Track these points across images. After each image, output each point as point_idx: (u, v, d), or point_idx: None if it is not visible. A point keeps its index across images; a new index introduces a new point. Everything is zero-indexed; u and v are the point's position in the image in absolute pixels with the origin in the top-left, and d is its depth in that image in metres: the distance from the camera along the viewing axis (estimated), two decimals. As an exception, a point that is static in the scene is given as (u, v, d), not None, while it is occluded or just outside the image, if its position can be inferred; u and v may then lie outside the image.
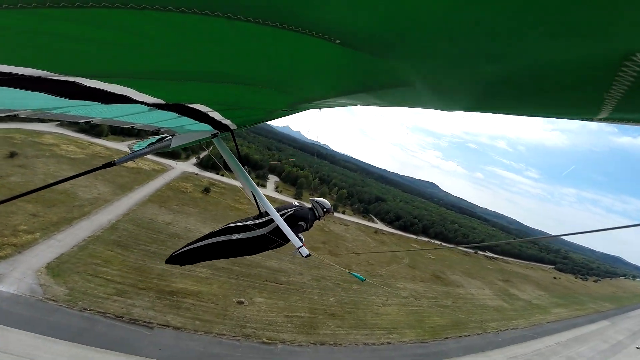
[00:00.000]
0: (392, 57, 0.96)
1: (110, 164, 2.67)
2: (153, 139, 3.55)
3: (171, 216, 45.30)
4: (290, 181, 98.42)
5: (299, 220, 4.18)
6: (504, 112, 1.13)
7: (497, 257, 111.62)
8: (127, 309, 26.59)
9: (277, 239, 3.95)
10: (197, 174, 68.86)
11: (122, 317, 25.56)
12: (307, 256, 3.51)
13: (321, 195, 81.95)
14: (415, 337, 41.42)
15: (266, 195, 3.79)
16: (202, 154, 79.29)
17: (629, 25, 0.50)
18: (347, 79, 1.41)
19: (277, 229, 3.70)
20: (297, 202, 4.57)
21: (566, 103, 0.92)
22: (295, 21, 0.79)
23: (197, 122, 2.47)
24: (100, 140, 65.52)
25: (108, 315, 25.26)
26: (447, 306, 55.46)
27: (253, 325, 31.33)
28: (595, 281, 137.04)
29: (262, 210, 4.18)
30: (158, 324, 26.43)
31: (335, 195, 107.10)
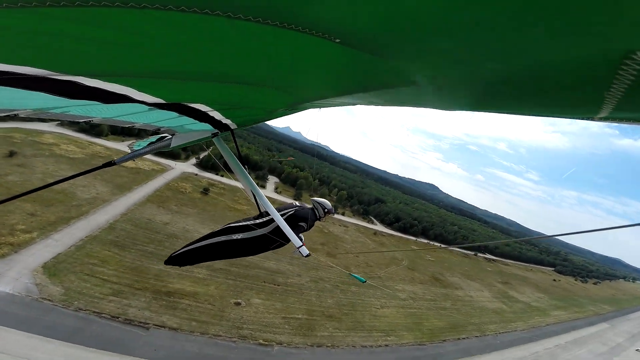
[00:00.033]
0: (393, 57, 0.96)
1: (110, 164, 2.66)
2: (153, 138, 3.54)
3: (169, 216, 45.29)
4: (290, 182, 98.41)
5: (300, 220, 4.16)
6: (504, 111, 1.13)
7: (496, 259, 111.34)
8: (122, 309, 26.52)
9: (277, 239, 3.92)
10: (196, 175, 68.90)
11: (117, 318, 25.48)
12: (307, 255, 3.51)
13: (321, 197, 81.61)
14: (413, 340, 41.25)
15: (265, 196, 3.76)
16: (202, 155, 79.38)
17: (629, 23, 0.50)
18: (348, 78, 1.41)
19: (278, 229, 3.68)
20: (297, 203, 4.53)
21: (567, 102, 0.92)
22: (295, 20, 0.79)
23: (197, 121, 2.46)
24: (100, 140, 65.65)
25: (103, 315, 25.19)
26: (446, 308, 55.29)
27: (250, 326, 31.22)
28: (594, 283, 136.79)
29: (262, 210, 4.17)
30: (154, 325, 26.35)
31: (335, 197, 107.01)
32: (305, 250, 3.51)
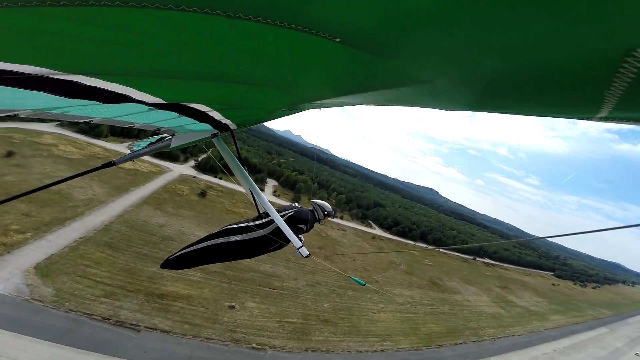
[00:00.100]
0: (393, 56, 0.97)
1: (109, 164, 2.64)
2: (153, 139, 3.54)
3: (166, 219, 45.18)
4: (289, 185, 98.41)
5: (299, 221, 4.14)
6: (504, 111, 1.13)
7: (495, 264, 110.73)
8: (114, 311, 26.31)
9: (277, 240, 3.88)
10: (194, 177, 68.94)
11: (108, 319, 25.27)
12: (308, 256, 3.51)
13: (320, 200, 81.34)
14: (410, 345, 40.81)
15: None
16: (201, 157, 79.54)
17: (630, 20, 0.50)
18: (348, 78, 1.41)
19: (278, 229, 3.66)
20: (296, 204, 4.53)
21: (567, 101, 0.91)
22: (295, 20, 0.78)
23: (197, 121, 2.46)
24: (99, 141, 65.84)
25: (94, 317, 24.98)
26: (444, 313, 54.83)
27: (243, 330, 30.91)
28: (594, 288, 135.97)
29: (261, 212, 4.15)
30: (145, 327, 26.10)
31: (334, 200, 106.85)
32: (305, 251, 3.51)
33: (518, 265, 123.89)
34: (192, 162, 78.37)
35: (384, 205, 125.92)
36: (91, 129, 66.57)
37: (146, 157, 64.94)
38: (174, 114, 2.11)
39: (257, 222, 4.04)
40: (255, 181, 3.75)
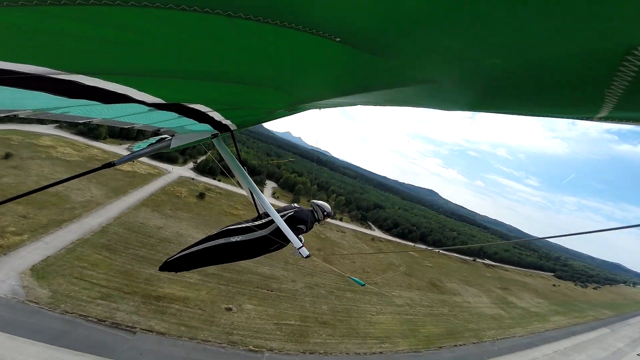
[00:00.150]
0: (393, 56, 0.97)
1: (109, 165, 2.63)
2: (153, 139, 3.52)
3: (163, 220, 45.11)
4: (288, 187, 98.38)
5: (299, 221, 4.13)
6: (504, 111, 1.12)
7: (495, 265, 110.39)
8: (110, 312, 26.18)
9: (277, 240, 3.88)
10: (193, 179, 68.93)
11: (104, 321, 25.14)
12: (308, 256, 3.50)
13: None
14: (409, 347, 40.54)
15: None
16: (200, 159, 79.61)
17: (630, 18, 0.49)
18: (348, 78, 1.41)
19: (278, 230, 3.66)
20: (296, 205, 4.53)
21: (567, 100, 0.90)
22: (295, 19, 0.78)
23: (196, 122, 2.46)
24: (98, 143, 65.88)
25: (90, 318, 24.85)
26: (443, 314, 54.55)
27: (240, 332, 30.73)
28: (595, 288, 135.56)
29: (261, 212, 4.14)
30: (141, 329, 25.96)
31: (333, 202, 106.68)
32: (305, 251, 3.51)
33: (518, 266, 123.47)
34: (190, 164, 78.43)
35: (383, 206, 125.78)
36: (90, 131, 66.65)
37: (145, 159, 65.01)
38: (174, 115, 2.11)
39: (257, 223, 4.03)
40: (255, 183, 3.75)
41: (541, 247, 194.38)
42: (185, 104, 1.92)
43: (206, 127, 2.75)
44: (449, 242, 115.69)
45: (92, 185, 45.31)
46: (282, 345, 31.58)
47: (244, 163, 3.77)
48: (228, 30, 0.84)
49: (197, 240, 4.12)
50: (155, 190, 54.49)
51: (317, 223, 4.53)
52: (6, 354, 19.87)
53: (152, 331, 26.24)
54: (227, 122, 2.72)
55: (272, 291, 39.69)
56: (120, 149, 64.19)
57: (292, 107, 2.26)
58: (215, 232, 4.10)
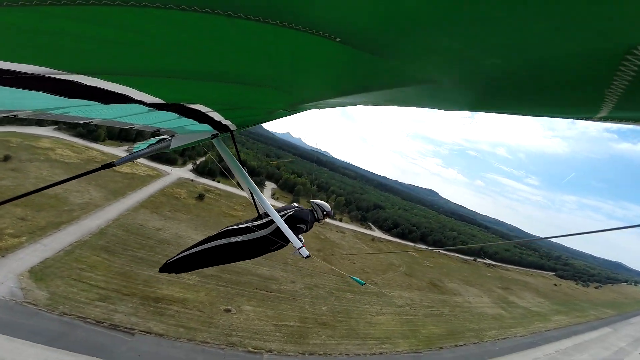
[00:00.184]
0: (393, 56, 0.96)
1: (109, 165, 2.62)
2: (153, 140, 3.52)
3: (162, 222, 45.07)
4: (288, 188, 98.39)
5: (299, 221, 4.14)
6: (504, 111, 1.12)
7: (496, 265, 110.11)
8: (108, 314, 26.12)
9: (278, 241, 3.88)
10: (192, 180, 68.94)
11: (102, 323, 25.08)
12: (308, 257, 3.49)
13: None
14: (409, 347, 40.37)
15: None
16: (199, 160, 79.66)
17: (630, 18, 0.49)
18: (348, 78, 1.41)
19: (278, 230, 3.67)
20: (296, 205, 4.54)
21: (567, 100, 0.90)
22: (295, 19, 0.78)
23: (196, 122, 2.46)
24: (97, 144, 65.98)
25: (88, 320, 24.80)
26: (444, 315, 54.37)
27: (239, 333, 30.63)
28: (596, 287, 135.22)
29: (261, 212, 4.14)
30: (140, 331, 25.89)
31: (333, 202, 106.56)
32: (305, 252, 3.51)
33: (519, 265, 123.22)
34: (190, 166, 78.48)
35: (383, 207, 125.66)
36: (89, 133, 66.72)
37: (144, 161, 65.03)
38: (174, 115, 2.10)
39: (257, 223, 4.03)
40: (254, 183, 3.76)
41: (542, 246, 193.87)
42: (185, 104, 1.91)
43: (206, 127, 2.76)
44: (450, 242, 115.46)
45: (90, 187, 45.32)
46: (282, 347, 31.46)
47: (243, 163, 3.77)
48: (228, 31, 0.84)
49: (197, 241, 4.11)
50: (154, 192, 54.49)
51: (317, 222, 4.54)
52: (5, 356, 19.85)
53: (150, 333, 26.17)
54: (227, 122, 2.73)
55: (271, 292, 39.59)
56: (120, 151, 64.25)
57: (292, 108, 2.27)
58: (215, 232, 4.11)
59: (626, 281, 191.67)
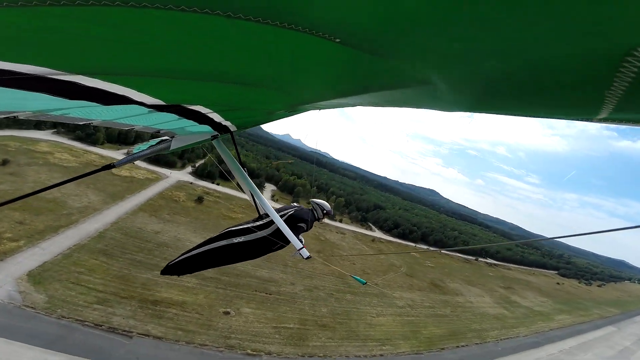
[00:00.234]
0: (393, 57, 0.96)
1: (109, 167, 2.62)
2: (153, 141, 3.53)
3: (161, 225, 45.06)
4: (288, 190, 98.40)
5: (299, 220, 4.18)
6: (504, 112, 1.11)
7: (498, 264, 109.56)
8: (106, 317, 26.06)
9: (278, 241, 3.90)
10: (191, 183, 69.00)
11: (101, 326, 25.02)
12: (308, 258, 3.50)
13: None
14: (410, 349, 40.08)
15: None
16: (198, 163, 79.78)
17: (630, 19, 0.49)
18: (348, 79, 1.41)
19: (278, 230, 3.69)
20: (295, 204, 4.59)
21: (567, 101, 0.90)
22: (295, 20, 0.78)
23: (196, 123, 2.46)
24: (96, 148, 66.16)
25: (86, 323, 24.76)
26: (445, 315, 54.02)
27: (238, 336, 30.48)
28: (599, 286, 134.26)
29: (261, 213, 4.16)
30: (138, 333, 25.80)
31: (333, 204, 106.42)
32: (305, 252, 3.51)
33: (521, 264, 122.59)
34: (189, 168, 78.58)
35: (384, 207, 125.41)
36: (87, 136, 66.94)
37: (143, 164, 65.16)
38: (174, 116, 2.10)
39: (258, 223, 4.06)
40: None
41: (544, 245, 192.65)
42: (185, 105, 1.91)
43: (206, 128, 2.76)
44: (451, 242, 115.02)
45: (89, 191, 45.40)
46: (281, 349, 31.28)
47: (243, 164, 3.80)
48: (228, 31, 0.84)
49: (198, 243, 4.12)
50: (153, 195, 54.54)
51: (317, 221, 4.58)
52: (3, 359, 19.82)
53: (148, 335, 26.08)
54: (227, 123, 2.72)
55: (270, 294, 39.44)
56: (118, 154, 64.44)
57: (292, 108, 2.27)
58: (216, 234, 4.13)
59: (630, 279, 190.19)
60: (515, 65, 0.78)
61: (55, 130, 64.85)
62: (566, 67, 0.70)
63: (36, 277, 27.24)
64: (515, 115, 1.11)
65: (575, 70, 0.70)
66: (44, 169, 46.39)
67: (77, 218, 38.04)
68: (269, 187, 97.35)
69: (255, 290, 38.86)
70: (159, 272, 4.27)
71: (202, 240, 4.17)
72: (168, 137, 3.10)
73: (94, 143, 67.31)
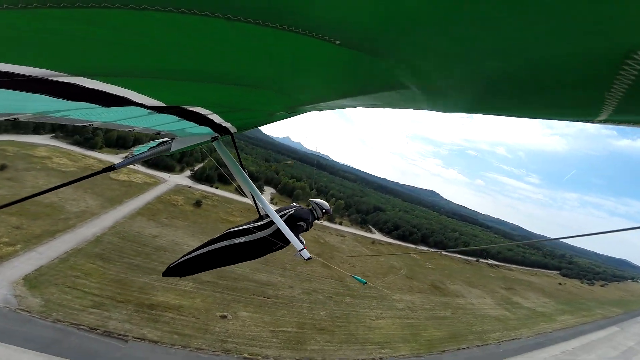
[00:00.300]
0: (393, 58, 0.97)
1: (110, 168, 2.62)
2: (153, 143, 3.53)
3: (159, 229, 44.99)
4: (287, 192, 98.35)
5: (299, 220, 4.21)
6: (504, 113, 1.11)
7: (499, 265, 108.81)
8: (102, 321, 25.93)
9: (278, 242, 3.93)
10: (190, 187, 69.01)
11: (96, 330, 24.89)
12: (309, 259, 3.51)
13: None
14: (410, 351, 39.68)
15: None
16: (197, 167, 79.89)
17: (631, 20, 0.49)
18: (348, 80, 1.41)
19: (279, 230, 3.72)
20: (295, 204, 4.64)
21: (567, 103, 0.90)
22: (295, 22, 0.78)
23: (196, 125, 2.47)
24: (94, 152, 66.24)
25: (82, 327, 24.64)
26: (446, 317, 53.54)
27: (235, 340, 30.23)
28: (602, 285, 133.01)
29: (262, 214, 4.22)
30: (133, 337, 25.64)
31: (332, 206, 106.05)
32: (306, 254, 3.52)
33: (523, 265, 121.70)
34: (187, 172, 78.65)
35: (384, 209, 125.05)
36: (86, 141, 67.06)
37: (141, 168, 65.27)
38: (174, 118, 2.11)
39: (258, 224, 4.10)
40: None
41: (545, 245, 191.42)
42: (185, 106, 1.91)
43: (206, 129, 2.76)
44: (451, 243, 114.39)
45: (87, 195, 45.44)
46: (278, 353, 30.99)
47: (244, 166, 3.83)
48: (228, 33, 0.84)
49: (199, 244, 4.17)
50: (151, 199, 54.54)
51: (317, 220, 4.63)
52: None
53: (144, 339, 25.90)
54: (227, 124, 2.74)
55: (268, 298, 39.18)
56: (117, 158, 64.58)
57: (292, 110, 2.29)
58: (217, 235, 4.18)
59: (632, 278, 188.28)
60: (516, 65, 0.77)
61: (53, 134, 65.09)
62: (567, 67, 0.70)
63: (32, 281, 27.17)
64: (515, 116, 1.11)
65: (576, 70, 0.70)
66: (42, 174, 46.48)
67: (74, 222, 38.03)
68: (268, 190, 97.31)
69: (253, 294, 38.62)
70: (160, 274, 4.31)
71: (200, 244, 4.21)
72: (168, 139, 3.13)
73: (92, 147, 67.42)
